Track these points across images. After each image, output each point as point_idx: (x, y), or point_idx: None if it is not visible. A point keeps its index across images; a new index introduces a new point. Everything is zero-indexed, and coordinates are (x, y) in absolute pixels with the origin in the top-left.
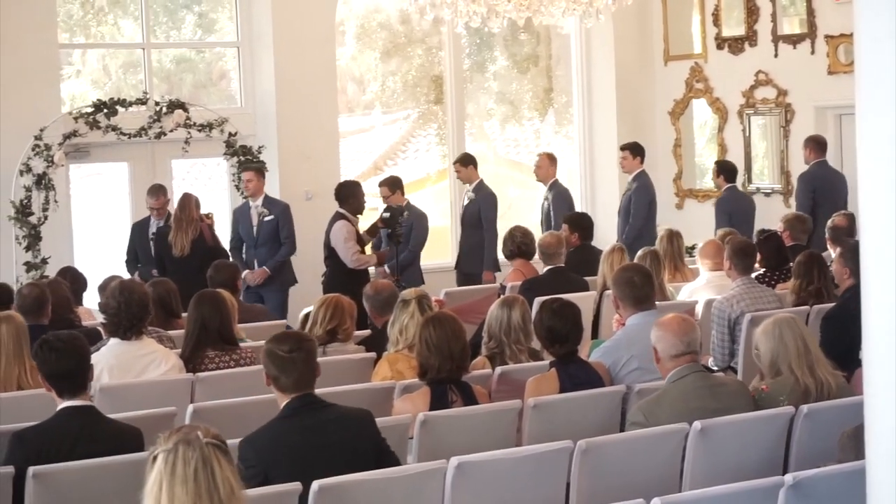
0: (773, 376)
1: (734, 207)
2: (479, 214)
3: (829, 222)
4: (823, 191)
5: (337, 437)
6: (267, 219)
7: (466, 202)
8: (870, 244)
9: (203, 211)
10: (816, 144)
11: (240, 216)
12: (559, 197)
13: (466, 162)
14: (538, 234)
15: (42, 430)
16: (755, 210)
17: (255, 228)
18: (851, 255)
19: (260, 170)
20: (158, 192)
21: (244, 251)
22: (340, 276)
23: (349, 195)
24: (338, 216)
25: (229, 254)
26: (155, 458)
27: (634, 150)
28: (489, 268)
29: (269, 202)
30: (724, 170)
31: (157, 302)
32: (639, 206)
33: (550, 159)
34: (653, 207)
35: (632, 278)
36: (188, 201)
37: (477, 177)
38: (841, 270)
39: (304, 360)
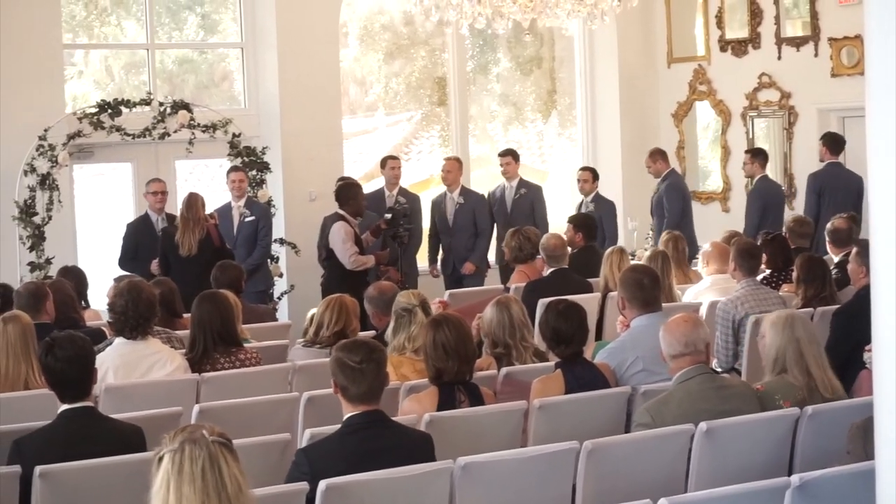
0: (777, 373)
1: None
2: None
3: (829, 225)
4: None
5: (394, 464)
6: (248, 219)
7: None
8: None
9: (206, 212)
10: (662, 155)
11: (221, 216)
12: (477, 203)
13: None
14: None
15: (41, 436)
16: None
17: (235, 228)
18: (868, 254)
19: (246, 171)
20: (157, 180)
21: None
22: (339, 278)
23: (349, 197)
24: (336, 217)
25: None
26: (161, 458)
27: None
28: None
29: (251, 203)
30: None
31: (160, 302)
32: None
33: (460, 164)
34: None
35: (641, 280)
36: (194, 201)
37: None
38: (857, 269)
39: (374, 372)
